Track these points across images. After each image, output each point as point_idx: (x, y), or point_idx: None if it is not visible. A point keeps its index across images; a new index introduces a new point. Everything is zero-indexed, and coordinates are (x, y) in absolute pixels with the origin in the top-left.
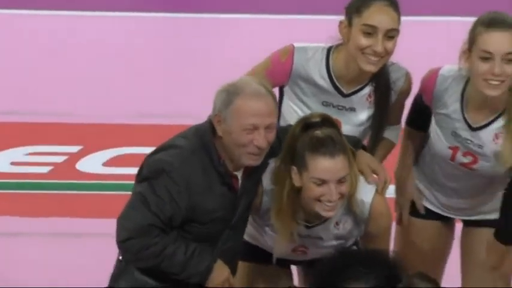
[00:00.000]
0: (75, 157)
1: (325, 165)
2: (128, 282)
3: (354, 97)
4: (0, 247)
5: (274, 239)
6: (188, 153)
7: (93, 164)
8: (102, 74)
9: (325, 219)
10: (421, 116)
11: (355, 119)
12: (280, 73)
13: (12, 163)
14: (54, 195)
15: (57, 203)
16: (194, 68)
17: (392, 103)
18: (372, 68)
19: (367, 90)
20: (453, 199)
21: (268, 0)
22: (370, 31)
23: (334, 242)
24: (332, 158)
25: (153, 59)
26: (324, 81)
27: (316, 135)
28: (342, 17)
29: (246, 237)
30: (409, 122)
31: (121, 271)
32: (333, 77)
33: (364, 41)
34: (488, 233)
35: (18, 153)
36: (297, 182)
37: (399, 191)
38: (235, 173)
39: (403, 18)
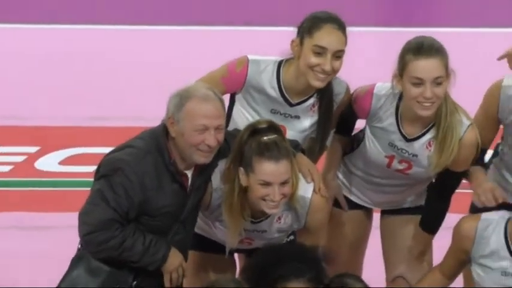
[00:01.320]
0: (33, 157)
1: (269, 169)
2: (85, 267)
3: (299, 107)
4: None
5: (225, 233)
6: (143, 153)
7: (50, 163)
8: (57, 81)
9: (269, 215)
10: (348, 124)
11: (299, 126)
12: (235, 82)
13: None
14: (15, 191)
15: (18, 199)
16: (144, 75)
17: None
18: (319, 84)
19: (312, 100)
20: (384, 197)
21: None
22: (320, 51)
23: (276, 235)
24: (276, 163)
25: (104, 67)
26: (273, 92)
27: (262, 140)
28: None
29: (196, 229)
30: (337, 129)
31: (79, 257)
32: (282, 88)
33: (314, 60)
34: (407, 218)
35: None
36: (244, 182)
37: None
38: (186, 171)
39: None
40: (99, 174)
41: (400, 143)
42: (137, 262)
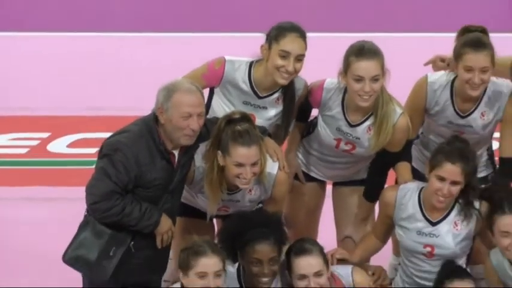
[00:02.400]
0: (46, 141)
1: (242, 153)
2: (91, 230)
3: (266, 99)
4: None
5: (206, 203)
6: (137, 136)
7: (59, 146)
8: (65, 78)
9: (241, 189)
10: (305, 112)
11: (266, 115)
12: (213, 78)
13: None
14: (31, 170)
15: (32, 176)
16: (139, 74)
17: (292, 111)
18: (284, 82)
19: (277, 94)
20: (335, 172)
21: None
22: (284, 55)
23: (248, 204)
24: (248, 148)
25: (103, 67)
26: (245, 86)
27: (236, 129)
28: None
29: (182, 199)
30: (296, 117)
31: (86, 222)
32: (253, 84)
33: (279, 62)
34: (354, 189)
35: (3, 138)
36: (221, 162)
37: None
38: (173, 151)
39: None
40: (101, 154)
41: (346, 128)
42: (134, 226)
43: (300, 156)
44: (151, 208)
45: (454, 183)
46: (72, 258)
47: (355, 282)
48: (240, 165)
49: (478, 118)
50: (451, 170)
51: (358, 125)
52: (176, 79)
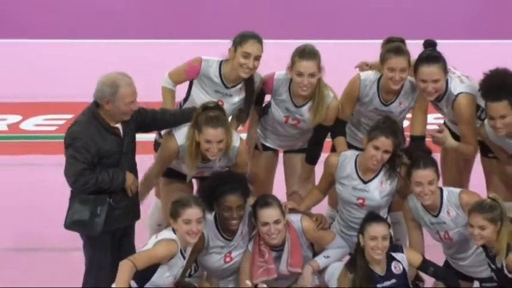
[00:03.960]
0: (69, 121)
1: (210, 132)
2: (78, 201)
3: (232, 89)
4: (25, 173)
5: (187, 169)
6: (86, 123)
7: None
8: (75, 74)
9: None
10: (260, 98)
11: (232, 101)
12: (192, 72)
13: (35, 125)
14: (58, 143)
15: (60, 147)
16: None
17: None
18: (246, 76)
19: (240, 85)
20: (285, 142)
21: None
22: (246, 55)
23: (218, 169)
24: (215, 129)
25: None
26: (217, 79)
27: (209, 114)
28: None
29: (170, 165)
30: (254, 102)
31: (72, 196)
32: (222, 77)
33: (242, 61)
34: (299, 155)
35: (38, 119)
36: (197, 138)
37: (248, 138)
38: (117, 125)
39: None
40: (66, 145)
41: (292, 108)
42: (109, 188)
43: (259, 131)
44: (115, 171)
45: (385, 151)
46: (70, 224)
47: (303, 226)
48: (208, 141)
49: (397, 106)
50: (384, 141)
51: (302, 106)
52: (113, 74)
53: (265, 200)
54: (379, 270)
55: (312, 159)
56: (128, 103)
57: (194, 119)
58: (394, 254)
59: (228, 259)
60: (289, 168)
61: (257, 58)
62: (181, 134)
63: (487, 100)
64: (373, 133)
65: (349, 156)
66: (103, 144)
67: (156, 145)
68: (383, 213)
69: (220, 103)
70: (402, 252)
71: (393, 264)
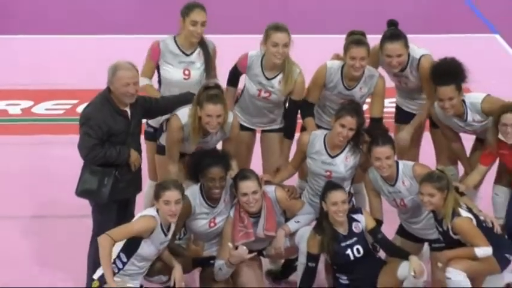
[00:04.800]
0: (75, 106)
1: (211, 108)
2: (88, 171)
3: (192, 56)
4: (36, 150)
5: (188, 145)
6: (99, 105)
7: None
8: (82, 68)
9: (210, 133)
10: (235, 78)
11: (196, 66)
12: (155, 54)
13: (46, 109)
14: (66, 124)
15: (68, 128)
16: None
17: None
18: (197, 40)
19: (198, 50)
20: (258, 118)
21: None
22: (194, 23)
23: (215, 142)
24: (215, 105)
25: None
26: (177, 50)
27: (209, 92)
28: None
29: None
30: (228, 83)
31: (84, 167)
32: (180, 48)
33: (192, 28)
34: (273, 134)
35: (48, 104)
36: (199, 114)
37: None
38: (125, 109)
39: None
40: (80, 123)
41: (264, 81)
42: (115, 161)
43: (237, 113)
44: (121, 147)
45: (350, 129)
46: (81, 192)
47: (277, 196)
48: (209, 116)
49: (358, 91)
50: (350, 120)
51: (273, 78)
52: (118, 61)
53: (244, 173)
54: (342, 230)
55: (289, 133)
56: (125, 84)
57: (196, 97)
58: (354, 216)
59: (212, 224)
60: (265, 146)
61: (203, 24)
62: (183, 113)
63: (437, 84)
64: (340, 113)
65: (318, 135)
66: (113, 124)
67: (146, 134)
68: (347, 184)
69: (187, 72)
70: (361, 213)
71: (354, 224)
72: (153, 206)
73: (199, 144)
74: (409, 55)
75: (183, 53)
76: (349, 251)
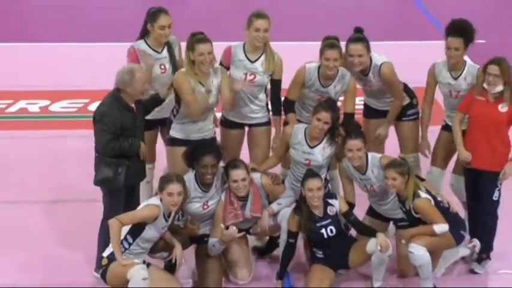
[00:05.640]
0: (87, 104)
1: (202, 46)
2: (103, 163)
3: (162, 53)
4: (53, 143)
5: (202, 99)
6: (111, 104)
7: (94, 107)
8: (93, 71)
9: (209, 78)
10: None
11: (167, 60)
12: (133, 57)
13: (61, 107)
14: (78, 121)
15: (81, 124)
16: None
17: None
18: (164, 41)
19: (166, 48)
20: (245, 108)
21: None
22: (162, 28)
23: (214, 91)
24: (204, 44)
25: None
26: (150, 51)
27: (197, 37)
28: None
29: (175, 134)
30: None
31: (99, 159)
32: (153, 48)
33: (161, 32)
34: (260, 128)
35: (63, 103)
36: (191, 57)
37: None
38: (132, 105)
39: None
40: (95, 121)
41: (249, 64)
42: (127, 152)
43: (224, 111)
44: (133, 139)
45: (325, 123)
46: (99, 181)
47: (262, 182)
48: (201, 54)
49: (333, 88)
50: (325, 115)
51: (255, 60)
52: (127, 65)
53: (235, 163)
54: (318, 212)
55: (277, 111)
56: (143, 83)
57: (187, 44)
58: (329, 200)
59: (205, 206)
60: (251, 140)
61: (170, 26)
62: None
63: (448, 35)
64: (317, 108)
65: (300, 128)
66: (124, 120)
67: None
68: (323, 171)
69: (163, 67)
70: (336, 199)
71: (329, 208)
72: (156, 195)
73: (203, 97)
74: (371, 61)
75: (156, 51)
76: (323, 231)
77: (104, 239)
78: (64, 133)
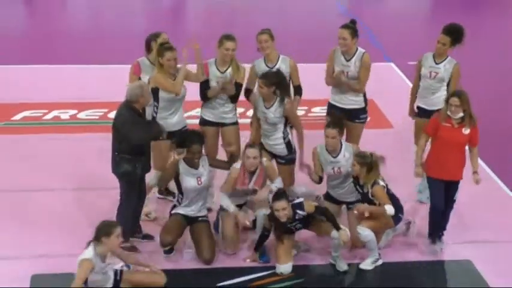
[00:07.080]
0: (106, 113)
1: (169, 54)
2: (124, 160)
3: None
4: (80, 144)
5: (173, 87)
6: (127, 113)
7: (112, 115)
8: (106, 87)
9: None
10: (206, 85)
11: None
12: (137, 69)
13: (86, 115)
14: (100, 126)
15: (102, 129)
16: None
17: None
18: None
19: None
20: (218, 109)
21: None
22: (168, 60)
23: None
24: (172, 51)
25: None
26: (150, 64)
27: (166, 46)
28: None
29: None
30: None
31: (120, 158)
32: (152, 62)
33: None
34: (230, 127)
35: (88, 112)
36: (161, 62)
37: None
38: (141, 111)
39: None
40: (117, 128)
41: (219, 74)
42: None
43: (204, 111)
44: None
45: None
46: (119, 173)
47: (265, 165)
48: (169, 60)
49: (277, 67)
50: (260, 81)
51: (225, 71)
52: (136, 82)
53: (251, 145)
54: (287, 220)
55: (246, 93)
56: (151, 95)
57: (156, 52)
58: (298, 211)
59: (199, 182)
60: (224, 137)
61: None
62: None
63: (442, 32)
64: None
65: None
66: (139, 124)
67: None
68: (279, 127)
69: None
70: (303, 210)
71: (297, 215)
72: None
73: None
74: (357, 49)
75: (154, 64)
76: (292, 226)
77: (121, 221)
78: (89, 136)
